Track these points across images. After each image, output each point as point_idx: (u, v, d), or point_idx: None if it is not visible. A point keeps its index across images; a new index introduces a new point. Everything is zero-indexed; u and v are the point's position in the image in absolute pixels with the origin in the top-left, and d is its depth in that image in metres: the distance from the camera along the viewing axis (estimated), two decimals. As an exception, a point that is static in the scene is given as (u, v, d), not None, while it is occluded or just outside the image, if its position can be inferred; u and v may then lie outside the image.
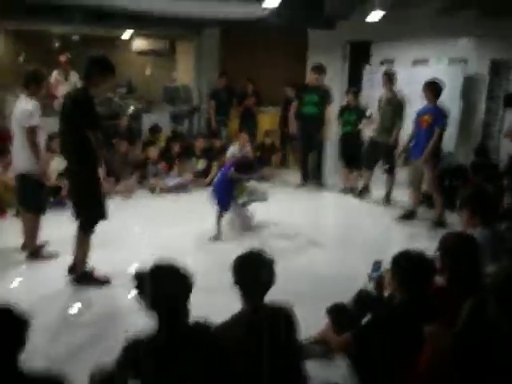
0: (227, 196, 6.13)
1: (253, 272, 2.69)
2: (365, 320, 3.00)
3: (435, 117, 6.64)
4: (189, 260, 5.20)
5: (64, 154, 4.83)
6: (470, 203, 4.19)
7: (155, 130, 9.49)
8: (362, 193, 8.30)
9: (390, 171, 7.87)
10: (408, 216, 7.10)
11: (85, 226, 4.67)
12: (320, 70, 8.44)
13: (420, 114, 6.84)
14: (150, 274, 2.43)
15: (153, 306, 2.36)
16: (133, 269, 5.21)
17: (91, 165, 4.55)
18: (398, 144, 7.79)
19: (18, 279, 4.96)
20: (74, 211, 4.72)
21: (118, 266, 5.06)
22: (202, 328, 2.48)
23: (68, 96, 4.70)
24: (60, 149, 5.11)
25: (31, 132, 4.98)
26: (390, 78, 7.76)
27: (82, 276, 4.75)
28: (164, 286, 2.40)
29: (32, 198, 5.25)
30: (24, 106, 5.00)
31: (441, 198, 6.85)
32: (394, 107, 7.70)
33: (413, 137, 6.93)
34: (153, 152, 8.55)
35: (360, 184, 8.46)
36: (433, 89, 6.68)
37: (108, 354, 2.51)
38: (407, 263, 2.83)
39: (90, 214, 4.65)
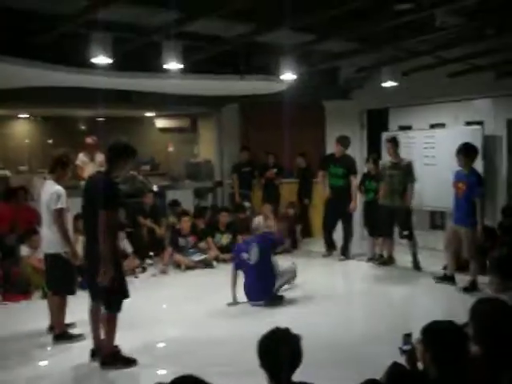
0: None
1: (277, 353, 2.61)
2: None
3: (470, 185, 6.57)
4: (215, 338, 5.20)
5: (85, 235, 4.90)
6: (501, 267, 4.10)
7: (174, 204, 9.61)
8: (388, 262, 8.18)
9: (410, 236, 7.78)
10: (446, 279, 6.99)
11: (111, 306, 4.63)
12: (346, 141, 8.58)
13: (456, 180, 6.77)
14: None
15: None
16: (158, 347, 5.18)
17: (111, 245, 4.56)
18: (411, 207, 7.83)
19: (45, 362, 4.92)
20: (94, 291, 4.72)
21: (144, 344, 5.03)
22: None
23: (91, 178, 4.87)
24: (83, 229, 5.18)
25: (59, 215, 5.09)
26: (394, 143, 7.84)
27: (109, 356, 4.67)
28: None
29: (60, 280, 5.27)
30: (51, 190, 5.14)
31: (477, 264, 6.71)
32: (403, 171, 7.75)
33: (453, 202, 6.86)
34: (186, 223, 8.58)
35: (382, 251, 8.40)
36: (467, 153, 6.61)
37: None
38: (439, 335, 2.74)
39: (113, 293, 4.61)
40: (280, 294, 6.46)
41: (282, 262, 6.88)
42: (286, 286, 6.68)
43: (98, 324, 4.83)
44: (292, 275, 6.75)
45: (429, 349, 2.75)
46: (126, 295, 4.69)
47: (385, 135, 9.55)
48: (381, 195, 8.05)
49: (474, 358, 2.96)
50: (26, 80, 7.06)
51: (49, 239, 5.24)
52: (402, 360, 3.22)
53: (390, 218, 7.91)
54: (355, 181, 8.55)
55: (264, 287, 6.26)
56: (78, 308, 5.60)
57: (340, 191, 8.52)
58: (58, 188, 5.15)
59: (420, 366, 3.09)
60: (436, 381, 2.71)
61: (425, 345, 2.79)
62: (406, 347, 3.15)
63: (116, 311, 4.64)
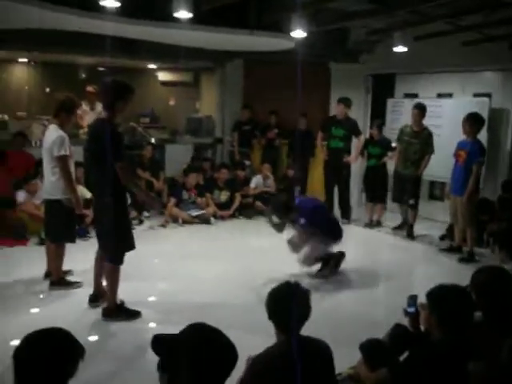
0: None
1: (286, 304, 2.61)
2: (403, 357, 2.90)
3: (471, 153, 6.58)
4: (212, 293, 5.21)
5: (91, 185, 4.83)
6: (499, 239, 4.13)
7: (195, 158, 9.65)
8: (402, 228, 8.13)
9: (415, 205, 7.78)
10: (452, 250, 7.01)
11: (114, 257, 4.60)
12: (349, 102, 8.46)
13: (458, 148, 6.81)
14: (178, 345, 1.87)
15: None
16: (156, 301, 5.19)
17: (118, 196, 4.50)
18: (421, 177, 7.81)
19: (41, 308, 4.90)
20: (101, 242, 4.71)
21: (140, 298, 5.04)
22: None
23: (93, 127, 4.70)
24: (86, 179, 5.12)
25: (63, 162, 4.98)
26: (422, 111, 7.67)
27: (112, 309, 4.65)
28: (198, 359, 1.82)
29: (61, 227, 5.21)
30: (53, 135, 5.01)
31: (474, 234, 6.75)
32: (423, 140, 7.64)
33: (452, 171, 6.90)
34: (193, 179, 8.54)
35: (380, 217, 8.44)
36: (472, 122, 6.61)
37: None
38: (446, 299, 2.74)
39: (119, 246, 4.56)
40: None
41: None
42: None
43: (101, 271, 4.83)
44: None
45: (434, 312, 2.75)
46: (131, 247, 4.65)
47: (390, 101, 9.48)
48: (396, 160, 7.99)
49: (477, 324, 2.97)
50: (26, 21, 6.78)
51: (50, 185, 5.14)
52: (404, 321, 3.23)
53: (402, 184, 7.88)
54: (362, 137, 8.53)
55: None
56: (76, 256, 5.61)
57: (339, 153, 8.47)
58: (61, 134, 5.01)
59: (422, 329, 3.11)
60: (440, 343, 2.71)
61: (430, 308, 2.79)
62: (410, 309, 3.15)
63: (119, 263, 4.61)
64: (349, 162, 8.50)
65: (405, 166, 7.78)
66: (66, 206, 5.13)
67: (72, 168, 5.18)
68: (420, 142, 7.65)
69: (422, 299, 2.98)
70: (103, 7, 5.76)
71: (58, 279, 5.30)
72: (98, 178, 4.57)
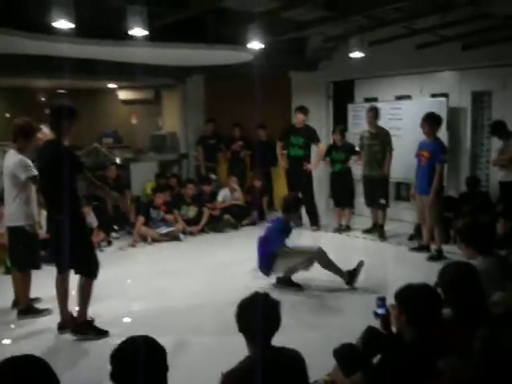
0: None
1: (254, 316, 2.59)
2: (375, 359, 2.90)
3: (433, 153, 6.71)
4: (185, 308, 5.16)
5: (46, 207, 4.78)
6: (464, 235, 4.20)
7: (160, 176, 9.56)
8: (373, 231, 8.19)
9: (386, 205, 7.87)
10: (421, 248, 7.11)
11: (89, 272, 4.63)
12: (306, 110, 8.57)
13: (419, 149, 6.93)
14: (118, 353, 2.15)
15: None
16: (127, 320, 5.12)
17: (76, 214, 4.59)
18: (389, 177, 7.93)
19: (11, 338, 4.76)
20: (63, 264, 4.63)
21: (112, 317, 4.98)
22: None
23: (41, 150, 4.72)
24: (44, 202, 5.02)
25: (35, 181, 4.92)
26: (375, 113, 7.84)
27: (83, 325, 4.64)
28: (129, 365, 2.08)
29: (24, 254, 5.12)
30: (14, 159, 4.92)
31: (441, 232, 6.87)
32: (382, 141, 7.79)
33: (416, 171, 7.01)
34: (160, 198, 8.46)
35: (349, 222, 8.51)
36: (431, 122, 6.77)
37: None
38: (413, 298, 2.76)
39: (91, 260, 4.66)
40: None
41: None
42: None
43: (66, 296, 4.76)
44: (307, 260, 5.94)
45: (403, 312, 2.77)
46: (97, 263, 4.71)
47: (351, 106, 9.59)
48: (362, 166, 8.13)
49: (446, 321, 3.00)
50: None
51: (12, 212, 5.04)
52: (376, 324, 3.24)
53: (371, 187, 7.99)
54: (321, 146, 8.63)
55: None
56: (43, 282, 5.48)
57: (299, 161, 8.56)
58: (22, 157, 4.93)
59: (394, 329, 3.12)
60: (411, 343, 2.73)
61: (399, 308, 2.80)
62: (380, 311, 3.16)
63: (95, 277, 4.67)
64: (309, 170, 8.57)
65: (371, 169, 7.90)
66: (29, 233, 5.05)
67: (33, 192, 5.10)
68: (380, 142, 7.82)
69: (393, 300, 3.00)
70: (57, 29, 5.69)
71: (25, 307, 5.18)
72: (51, 199, 4.57)
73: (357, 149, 8.32)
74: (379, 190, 7.90)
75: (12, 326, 5.01)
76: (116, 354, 2.14)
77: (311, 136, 8.59)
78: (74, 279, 4.77)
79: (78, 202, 4.73)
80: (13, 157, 4.96)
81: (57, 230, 4.58)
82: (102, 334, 4.64)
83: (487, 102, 8.27)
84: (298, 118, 8.63)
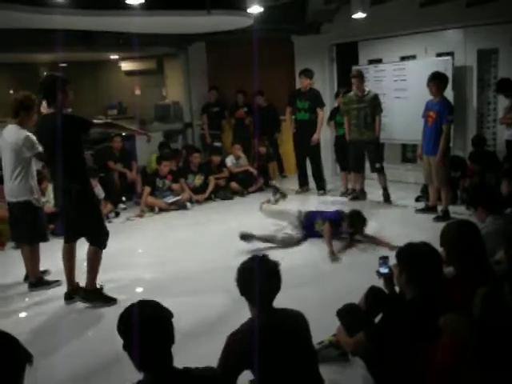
0: None
1: (254, 278, 2.62)
2: (377, 318, 2.94)
3: (440, 113, 6.64)
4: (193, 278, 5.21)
5: (53, 178, 4.79)
6: (472, 196, 4.19)
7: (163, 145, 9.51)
8: (359, 197, 8.19)
9: (381, 169, 7.82)
10: (427, 210, 7.08)
11: (98, 241, 4.67)
12: (311, 73, 8.46)
13: (426, 109, 6.85)
14: (126, 315, 2.18)
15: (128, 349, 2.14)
16: (135, 289, 5.19)
17: (85, 182, 4.62)
18: (379, 139, 7.88)
19: (24, 309, 4.84)
20: (78, 231, 4.68)
21: (120, 286, 5.03)
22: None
23: (43, 120, 4.71)
24: (51, 175, 5.02)
25: (41, 158, 4.96)
26: (360, 77, 7.79)
27: (91, 292, 4.70)
28: (142, 328, 2.09)
29: (32, 228, 5.14)
30: (17, 136, 4.89)
31: (448, 193, 6.84)
32: (370, 103, 7.72)
33: (423, 132, 6.94)
34: (166, 166, 8.43)
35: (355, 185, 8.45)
36: (437, 82, 6.67)
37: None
38: (413, 256, 2.77)
39: (101, 229, 4.70)
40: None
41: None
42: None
43: (73, 266, 4.82)
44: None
45: (403, 270, 2.78)
46: (106, 233, 4.74)
47: (354, 70, 9.46)
48: (346, 130, 8.04)
49: (449, 279, 3.01)
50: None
51: (15, 187, 5.01)
52: (379, 283, 3.27)
53: (360, 152, 7.92)
54: (321, 113, 8.49)
55: None
56: (55, 255, 5.54)
57: (306, 125, 8.49)
58: (27, 134, 4.90)
59: (397, 289, 3.15)
60: (412, 301, 2.75)
61: (400, 266, 2.82)
62: (383, 270, 3.17)
63: (104, 247, 4.71)
64: (315, 142, 8.51)
65: (360, 133, 7.81)
66: (36, 206, 5.08)
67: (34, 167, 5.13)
68: (367, 105, 7.73)
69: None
70: (54, 1, 5.64)
71: (35, 280, 5.24)
72: (60, 168, 4.52)
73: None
74: (373, 155, 7.85)
75: (26, 299, 5.07)
76: (121, 321, 2.17)
77: (315, 99, 8.50)
78: (80, 250, 4.83)
79: (87, 170, 4.77)
80: (16, 132, 4.91)
81: (67, 200, 4.58)
82: (111, 301, 4.68)
83: (493, 59, 8.11)
84: (302, 82, 8.53)
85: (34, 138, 4.90)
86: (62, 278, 5.05)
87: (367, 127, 7.75)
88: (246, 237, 5.92)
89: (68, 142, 4.41)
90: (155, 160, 8.95)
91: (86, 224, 4.63)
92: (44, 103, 8.38)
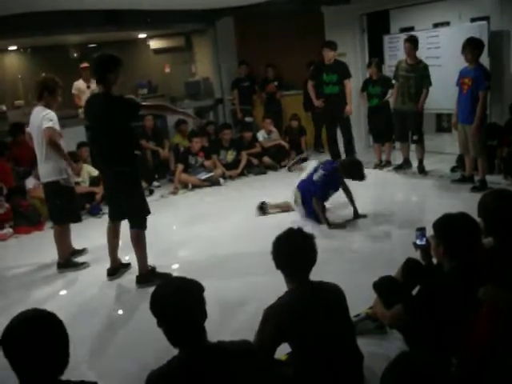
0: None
1: (291, 251, 2.62)
2: (415, 290, 2.91)
3: (475, 80, 6.45)
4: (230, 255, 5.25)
5: (97, 163, 4.81)
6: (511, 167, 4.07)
7: (181, 123, 9.39)
8: (404, 167, 8.05)
9: (420, 140, 7.68)
10: (464, 180, 6.96)
11: (139, 223, 4.67)
12: (335, 45, 8.27)
13: (461, 77, 6.67)
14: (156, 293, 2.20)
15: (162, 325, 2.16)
16: (176, 265, 5.25)
17: (133, 163, 4.60)
18: (423, 111, 7.67)
19: (54, 291, 4.94)
20: (121, 212, 4.72)
21: (162, 263, 5.07)
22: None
23: (91, 103, 4.67)
24: (92, 158, 5.05)
25: (50, 133, 4.88)
26: (414, 44, 7.51)
27: (146, 275, 4.72)
28: (173, 305, 2.12)
29: (62, 208, 5.20)
30: (42, 114, 4.93)
31: (485, 162, 6.69)
32: (419, 73, 7.49)
33: (458, 100, 6.76)
34: (197, 144, 8.46)
35: (389, 157, 8.34)
36: (472, 48, 6.46)
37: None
38: (451, 227, 2.72)
39: (142, 211, 4.69)
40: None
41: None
42: None
43: (117, 244, 4.90)
44: None
45: (441, 241, 2.74)
46: (149, 211, 4.76)
47: (386, 38, 9.27)
48: (393, 98, 7.85)
49: (487, 250, 2.95)
50: (6, 7, 6.68)
51: (44, 168, 5.08)
52: (416, 255, 3.23)
53: (403, 121, 7.76)
54: (349, 84, 8.31)
55: None
56: (90, 234, 5.65)
57: (337, 98, 8.31)
58: (48, 111, 4.94)
59: (434, 261, 3.10)
60: (450, 272, 2.71)
61: (437, 238, 2.77)
62: (419, 242, 3.13)
63: (145, 228, 4.70)
64: (349, 113, 8.35)
65: (403, 102, 7.64)
66: (65, 186, 5.11)
67: (62, 145, 5.12)
68: (416, 75, 7.50)
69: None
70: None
71: (64, 261, 5.29)
72: (109, 150, 4.52)
73: (393, 82, 8.05)
74: (412, 126, 7.67)
75: (54, 279, 5.17)
76: (153, 298, 2.18)
77: (343, 71, 8.32)
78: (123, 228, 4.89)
79: (133, 152, 4.71)
80: (40, 113, 4.95)
81: (115, 181, 4.60)
82: (167, 278, 4.69)
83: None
84: (327, 55, 8.25)
85: (53, 116, 4.93)
86: (99, 255, 5.14)
87: (410, 97, 7.56)
88: (261, 208, 6.28)
89: (116, 123, 4.39)
90: (177, 138, 9.05)
91: (131, 205, 4.63)
92: (81, 84, 8.52)
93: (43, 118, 4.90)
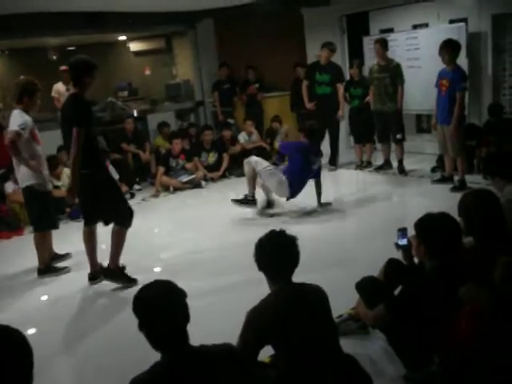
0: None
1: (272, 252, 2.61)
2: (397, 290, 2.92)
3: (453, 81, 6.52)
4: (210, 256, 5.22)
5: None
6: (490, 165, 4.12)
7: (163, 125, 9.40)
8: (385, 167, 8.11)
9: (402, 140, 7.74)
10: (444, 180, 7.02)
11: (123, 220, 4.68)
12: (334, 47, 8.32)
13: (439, 78, 6.74)
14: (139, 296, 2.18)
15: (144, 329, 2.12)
16: (155, 269, 5.22)
17: (100, 165, 4.64)
18: (402, 110, 7.74)
19: (34, 296, 4.87)
20: (101, 212, 4.70)
21: (141, 266, 5.05)
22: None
23: (64, 105, 4.72)
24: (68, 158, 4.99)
25: (12, 136, 4.77)
26: (383, 44, 7.62)
27: (113, 270, 4.73)
28: (156, 308, 2.11)
29: (38, 214, 5.13)
30: (18, 119, 4.85)
31: (464, 162, 6.76)
32: (392, 73, 7.57)
33: (437, 101, 6.83)
34: (178, 145, 8.41)
35: (370, 157, 8.40)
36: (449, 49, 6.53)
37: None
38: (432, 227, 2.74)
39: (125, 208, 4.71)
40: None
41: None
42: None
43: (94, 248, 4.84)
44: None
45: (422, 241, 2.76)
46: (130, 210, 4.76)
47: (366, 39, 9.31)
48: (371, 100, 7.92)
49: (468, 249, 2.98)
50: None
51: (21, 172, 5.01)
52: (398, 255, 3.24)
53: (383, 123, 7.81)
54: (342, 88, 8.35)
55: None
56: (72, 239, 5.58)
57: (328, 100, 8.33)
58: (26, 118, 4.87)
59: (416, 261, 3.12)
60: (431, 272, 2.73)
61: (418, 238, 2.79)
62: (401, 242, 3.15)
63: (129, 226, 4.73)
64: (342, 117, 8.40)
65: (382, 103, 7.70)
66: (40, 191, 5.04)
67: (42, 153, 5.11)
68: (390, 74, 7.58)
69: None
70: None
71: (44, 267, 5.22)
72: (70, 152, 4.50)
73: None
74: (394, 125, 7.73)
75: (34, 285, 5.10)
76: (136, 301, 2.16)
77: (337, 73, 8.35)
78: (101, 232, 4.86)
79: (99, 153, 4.76)
80: (18, 117, 4.87)
81: (81, 184, 4.57)
82: (132, 281, 4.69)
83: (509, 24, 7.92)
84: (324, 55, 8.29)
85: (22, 119, 4.83)
86: (81, 260, 5.09)
87: (389, 97, 7.63)
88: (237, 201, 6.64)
89: (74, 124, 4.39)
90: (159, 141, 9.01)
91: (103, 207, 4.64)
92: (60, 87, 8.43)
93: (14, 120, 4.85)
